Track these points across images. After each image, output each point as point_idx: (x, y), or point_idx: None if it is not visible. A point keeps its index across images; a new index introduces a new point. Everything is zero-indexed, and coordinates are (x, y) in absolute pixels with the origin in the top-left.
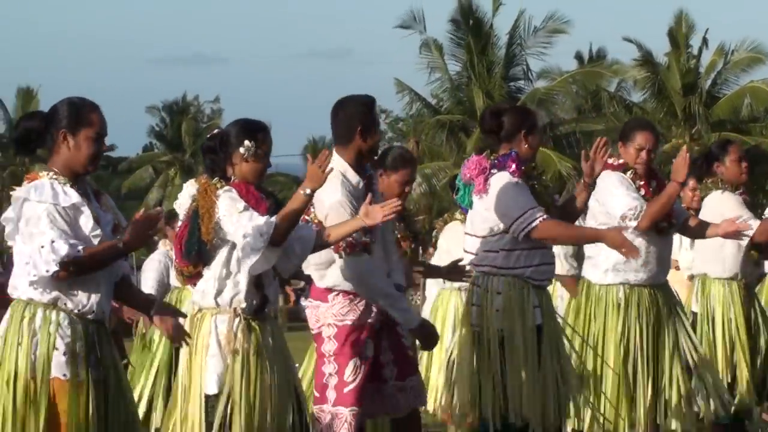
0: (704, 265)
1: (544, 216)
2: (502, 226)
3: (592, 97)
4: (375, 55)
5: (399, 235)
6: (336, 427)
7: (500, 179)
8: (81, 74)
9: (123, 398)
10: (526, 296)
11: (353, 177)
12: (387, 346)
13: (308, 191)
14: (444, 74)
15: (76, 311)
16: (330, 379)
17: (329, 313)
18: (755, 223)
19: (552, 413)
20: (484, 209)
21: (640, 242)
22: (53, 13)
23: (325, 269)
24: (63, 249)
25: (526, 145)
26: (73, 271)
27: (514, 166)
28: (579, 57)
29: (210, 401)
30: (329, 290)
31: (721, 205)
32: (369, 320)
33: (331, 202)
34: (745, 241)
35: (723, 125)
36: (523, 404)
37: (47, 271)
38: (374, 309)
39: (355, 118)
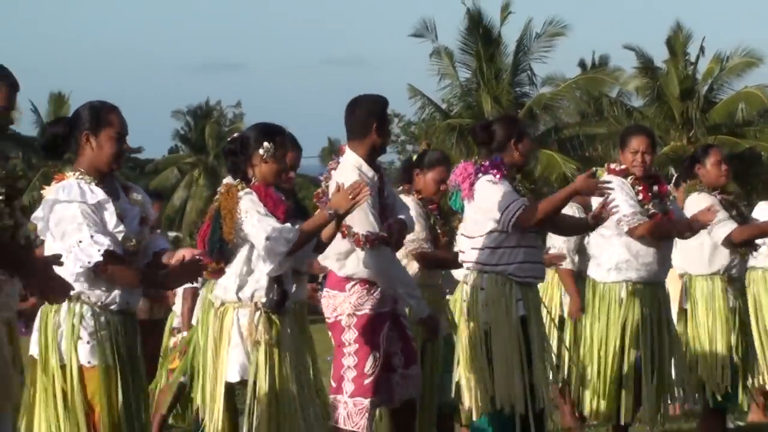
0: (687, 263)
1: (525, 203)
2: (490, 226)
3: (595, 102)
4: (388, 62)
5: (439, 230)
6: (356, 418)
7: (483, 183)
8: (110, 81)
9: (141, 385)
10: (508, 291)
11: (368, 170)
12: (395, 336)
13: (332, 212)
14: (454, 80)
15: (99, 304)
16: (348, 372)
17: (347, 303)
18: (730, 224)
19: (542, 400)
20: (473, 213)
21: (641, 244)
22: (85, 21)
23: (344, 259)
24: (104, 241)
25: (517, 153)
26: (108, 271)
27: (496, 171)
28: (582, 64)
29: (232, 389)
30: (347, 280)
31: (698, 205)
32: (385, 309)
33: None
34: (718, 238)
35: (719, 129)
36: (510, 393)
37: (89, 263)
38: (388, 298)
39: (372, 114)
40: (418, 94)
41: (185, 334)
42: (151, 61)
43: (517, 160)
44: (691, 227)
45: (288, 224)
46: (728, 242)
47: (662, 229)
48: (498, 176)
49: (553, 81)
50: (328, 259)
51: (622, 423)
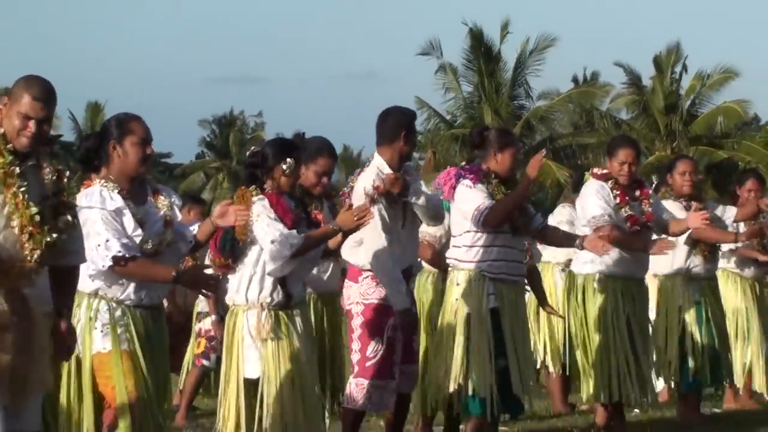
0: (654, 264)
1: (493, 204)
2: (467, 226)
3: (586, 114)
4: (397, 77)
5: None
6: (356, 395)
7: (461, 187)
8: (143, 91)
9: (161, 372)
10: (480, 286)
11: (389, 172)
12: (400, 331)
13: (336, 228)
14: (458, 94)
15: (114, 299)
16: (354, 355)
17: (357, 293)
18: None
19: (516, 387)
20: (454, 214)
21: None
22: (120, 36)
23: (358, 246)
24: (115, 247)
25: (495, 162)
26: (126, 267)
27: (472, 176)
28: (575, 80)
29: (251, 384)
30: (360, 271)
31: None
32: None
33: (360, 191)
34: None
35: (700, 140)
36: (482, 379)
37: (103, 266)
38: None
39: (401, 125)
40: (424, 106)
41: (214, 317)
42: (180, 74)
43: (496, 168)
44: (646, 249)
45: (294, 231)
46: (690, 241)
47: (621, 241)
48: (473, 181)
49: (548, 95)
50: (346, 249)
51: (606, 403)
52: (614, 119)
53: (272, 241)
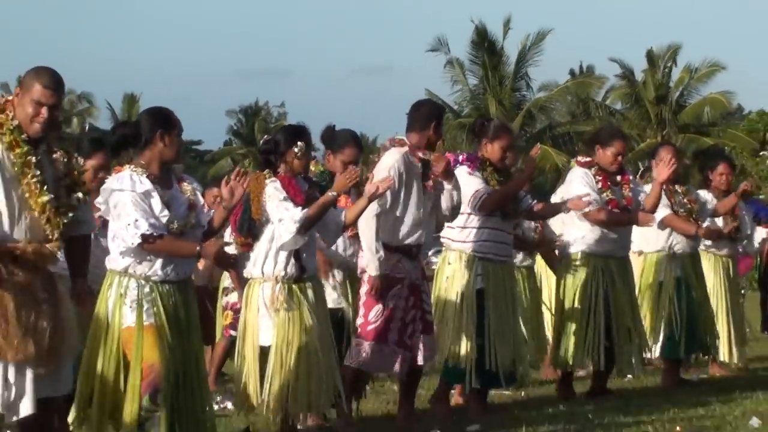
0: (640, 242)
1: (490, 191)
2: (462, 207)
3: (583, 104)
4: (409, 71)
5: None
6: (354, 355)
7: (460, 172)
8: (175, 83)
9: (190, 344)
10: (470, 266)
11: (412, 158)
12: (413, 303)
13: (335, 194)
14: (464, 86)
15: (143, 276)
16: (359, 319)
17: (365, 261)
18: (664, 210)
19: (491, 360)
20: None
21: (591, 224)
22: (154, 30)
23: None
24: (144, 225)
25: (486, 150)
26: (154, 243)
27: (468, 162)
28: (572, 73)
29: (265, 351)
30: None
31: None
32: (400, 275)
33: (385, 164)
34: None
35: (688, 128)
36: (462, 352)
37: (132, 244)
38: (406, 266)
39: (433, 115)
40: (434, 98)
41: (238, 291)
42: (209, 67)
43: (489, 156)
44: (631, 221)
45: (299, 208)
46: (661, 224)
47: (611, 219)
48: (472, 168)
49: (548, 87)
50: (361, 221)
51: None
52: (609, 109)
53: (280, 219)
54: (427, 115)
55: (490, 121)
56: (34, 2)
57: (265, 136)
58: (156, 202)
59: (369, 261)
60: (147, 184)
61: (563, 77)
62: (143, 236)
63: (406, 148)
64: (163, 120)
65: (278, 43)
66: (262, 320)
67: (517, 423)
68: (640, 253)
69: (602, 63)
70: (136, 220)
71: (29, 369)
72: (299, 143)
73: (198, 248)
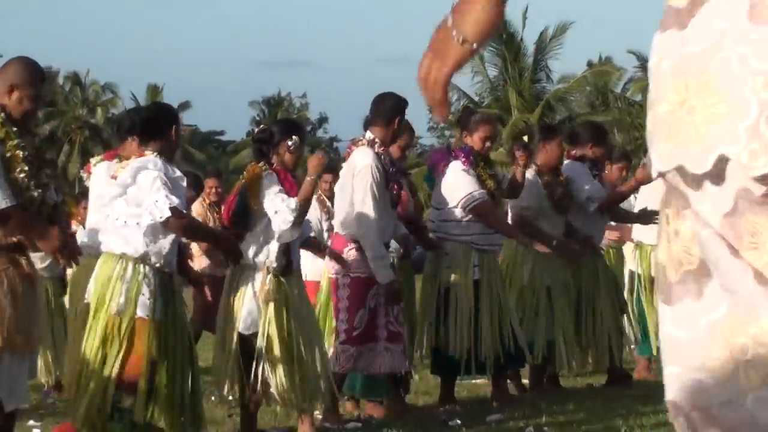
0: (639, 232)
1: (484, 199)
2: (455, 201)
3: (602, 95)
4: None
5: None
6: (342, 361)
7: (454, 167)
8: (198, 75)
9: (185, 338)
10: (468, 257)
11: (384, 153)
12: (387, 308)
13: (314, 177)
14: (484, 77)
15: (157, 265)
16: (341, 324)
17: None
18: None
19: (486, 348)
20: (443, 188)
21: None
22: (179, 23)
23: (343, 217)
24: (175, 200)
25: (468, 143)
26: (180, 219)
27: (463, 157)
28: (590, 64)
29: (247, 339)
30: (346, 243)
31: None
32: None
33: (363, 164)
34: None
35: None
36: (457, 341)
37: (160, 217)
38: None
39: (398, 108)
40: (454, 88)
41: None
42: (231, 59)
43: (475, 146)
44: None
45: (293, 198)
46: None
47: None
48: (466, 164)
49: (567, 79)
50: (336, 220)
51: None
52: (627, 100)
53: (276, 211)
54: (391, 109)
55: (475, 113)
56: None
57: (261, 125)
58: (183, 190)
59: (378, 269)
60: (177, 171)
61: (582, 69)
62: (173, 209)
63: (377, 148)
64: (173, 114)
65: (301, 33)
66: (245, 308)
67: (537, 413)
68: (638, 244)
69: (621, 55)
70: (167, 196)
71: (25, 358)
72: (294, 137)
73: (216, 233)
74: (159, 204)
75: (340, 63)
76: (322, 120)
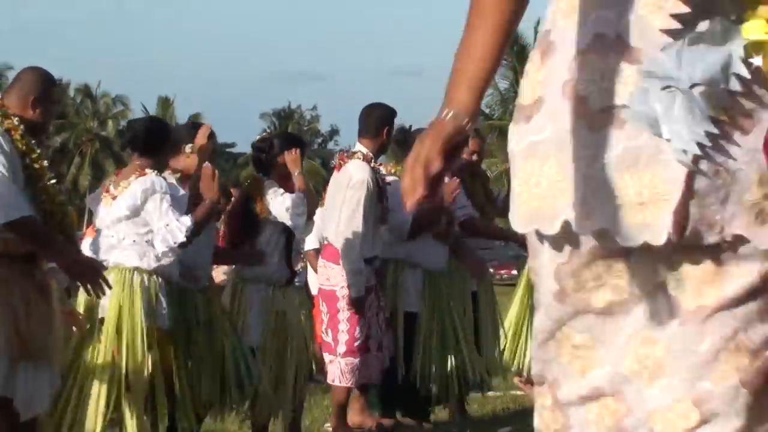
0: None
1: (474, 215)
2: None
3: None
4: (442, 73)
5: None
6: (348, 375)
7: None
8: (208, 87)
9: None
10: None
11: (373, 164)
12: (376, 305)
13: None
14: (495, 89)
15: (170, 278)
16: (341, 336)
17: (340, 275)
18: None
19: (476, 361)
20: None
21: None
22: (189, 36)
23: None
24: (187, 222)
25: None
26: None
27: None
28: None
29: (251, 350)
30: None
31: None
32: (370, 284)
33: (358, 178)
34: None
35: None
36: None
37: (175, 242)
38: (370, 274)
39: (385, 121)
40: None
41: None
42: (242, 71)
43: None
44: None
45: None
46: None
47: None
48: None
49: None
50: (327, 230)
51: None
52: None
53: (286, 209)
54: (380, 120)
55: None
56: (70, 6)
57: (263, 134)
58: (182, 206)
59: (354, 283)
60: (181, 189)
61: None
62: (189, 229)
63: (371, 162)
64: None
65: (312, 46)
66: (251, 320)
67: None
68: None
69: None
70: (178, 219)
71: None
72: (295, 150)
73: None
74: (171, 228)
75: (351, 75)
76: (334, 132)
